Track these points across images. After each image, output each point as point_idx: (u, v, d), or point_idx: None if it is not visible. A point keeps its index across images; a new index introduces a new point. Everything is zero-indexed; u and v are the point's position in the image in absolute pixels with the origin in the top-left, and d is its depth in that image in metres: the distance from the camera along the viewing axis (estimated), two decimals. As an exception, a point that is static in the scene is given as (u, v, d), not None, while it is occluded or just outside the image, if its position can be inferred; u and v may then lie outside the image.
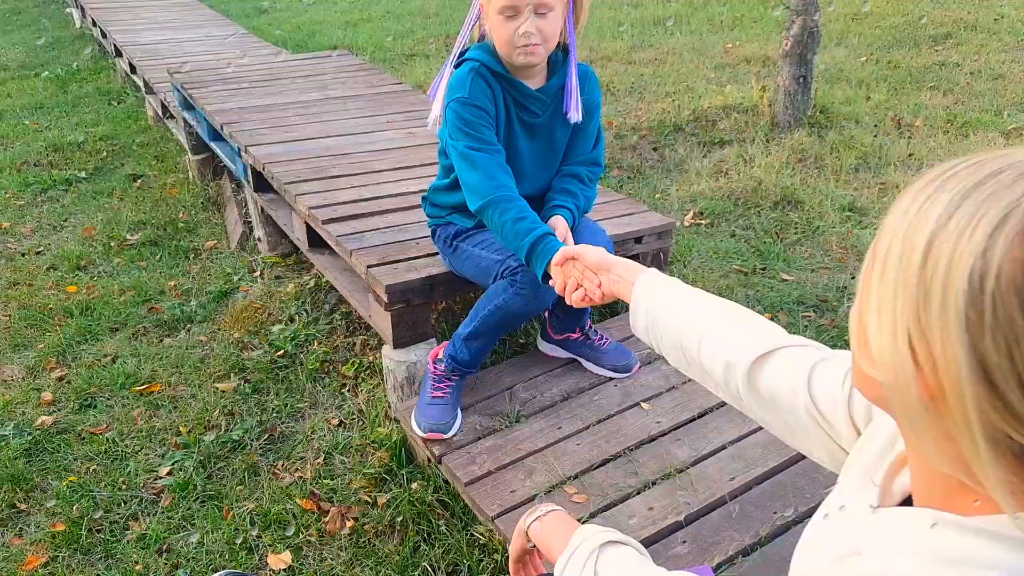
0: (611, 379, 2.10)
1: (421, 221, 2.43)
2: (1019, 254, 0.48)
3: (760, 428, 1.90)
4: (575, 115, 1.89)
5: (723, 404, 1.98)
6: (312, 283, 3.06)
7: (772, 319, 2.60)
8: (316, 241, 2.65)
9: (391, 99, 3.79)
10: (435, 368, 2.01)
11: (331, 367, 2.60)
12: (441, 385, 1.98)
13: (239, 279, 3.27)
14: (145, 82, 5.10)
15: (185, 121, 4.17)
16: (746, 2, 7.23)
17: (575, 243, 1.80)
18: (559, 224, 1.82)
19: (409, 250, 2.27)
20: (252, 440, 2.32)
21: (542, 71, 1.88)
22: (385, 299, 2.09)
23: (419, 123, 3.42)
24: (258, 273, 3.29)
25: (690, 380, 2.07)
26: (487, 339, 1.95)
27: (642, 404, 2.00)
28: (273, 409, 2.45)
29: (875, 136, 4.04)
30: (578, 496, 1.73)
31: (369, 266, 2.16)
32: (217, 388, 2.56)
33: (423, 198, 2.17)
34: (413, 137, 3.24)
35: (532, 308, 1.87)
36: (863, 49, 5.62)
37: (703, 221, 3.39)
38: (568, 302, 1.27)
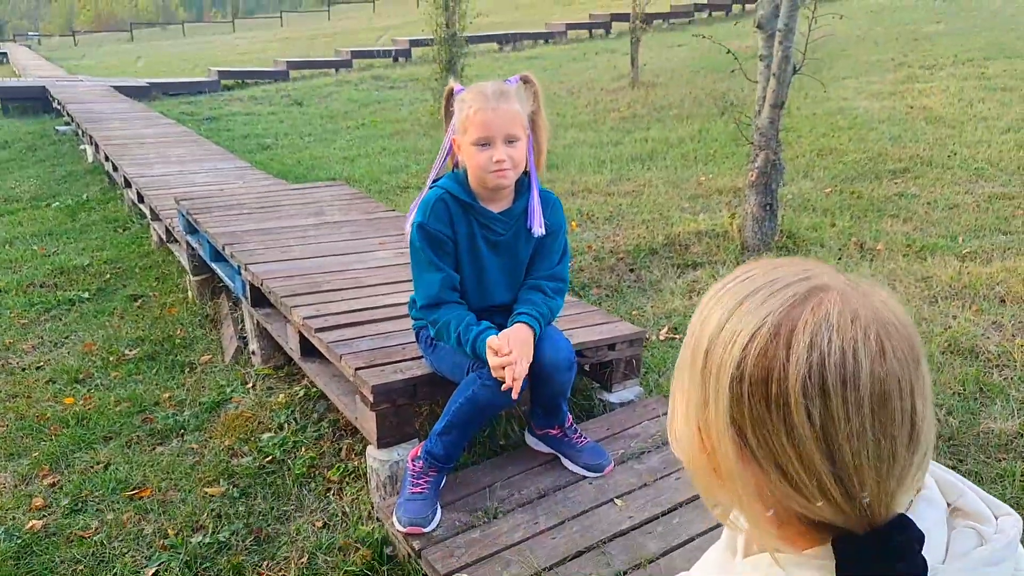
0: (586, 477, 2.20)
1: (408, 329, 2.60)
2: (762, 363, 0.63)
3: (726, 520, 1.98)
4: (538, 229, 2.12)
5: (693, 499, 2.07)
6: (302, 392, 3.18)
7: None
8: (308, 350, 2.80)
9: (384, 224, 4.05)
10: (414, 465, 2.11)
11: (317, 472, 2.68)
12: (420, 481, 2.08)
13: (232, 390, 3.39)
14: (151, 209, 5.40)
15: (188, 244, 4.40)
16: (718, 139, 7.75)
17: (538, 350, 1.98)
18: (520, 330, 2.00)
19: (395, 354, 2.42)
20: (239, 541, 2.37)
21: (508, 195, 2.13)
22: (371, 399, 2.22)
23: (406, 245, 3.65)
24: (251, 385, 3.41)
25: (663, 477, 2.18)
26: (460, 432, 2.07)
27: (616, 500, 2.09)
28: (260, 512, 2.51)
29: (839, 259, 4.30)
30: (552, 585, 1.80)
31: (357, 368, 2.31)
32: (206, 492, 2.63)
33: (409, 302, 2.37)
34: (404, 256, 3.45)
35: (499, 400, 2.01)
36: (828, 181, 6.01)
37: (676, 336, 3.57)
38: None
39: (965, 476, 2.24)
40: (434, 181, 2.19)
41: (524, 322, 2.01)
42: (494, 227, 2.13)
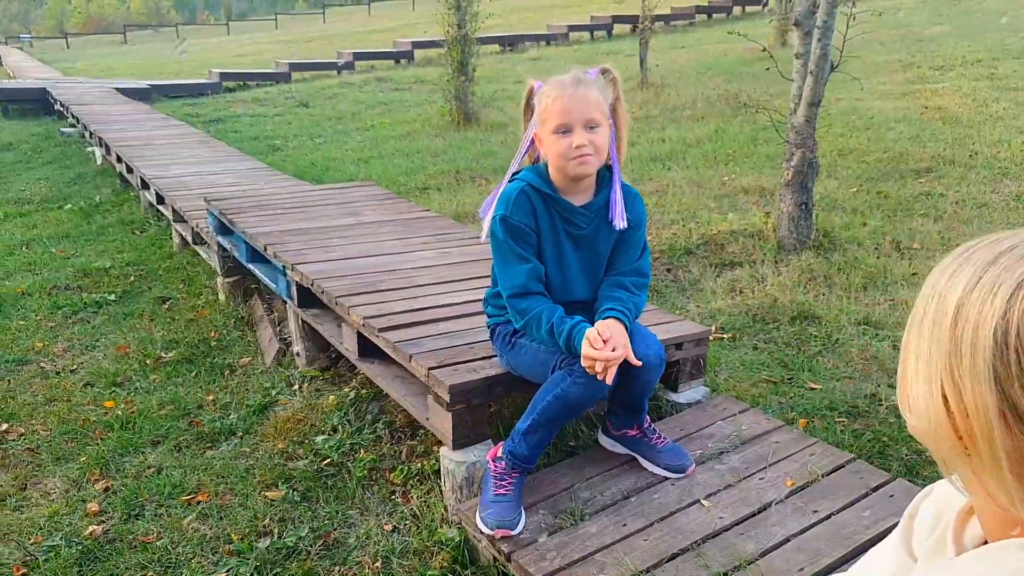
0: (667, 478, 2.16)
1: (473, 328, 2.56)
2: None
3: (822, 521, 1.95)
4: (620, 222, 2.08)
5: (784, 499, 2.04)
6: (352, 395, 3.13)
7: (808, 425, 2.69)
8: (365, 350, 2.76)
9: (421, 224, 4.01)
10: (495, 466, 2.07)
11: (379, 474, 2.64)
12: (503, 482, 2.03)
13: (278, 393, 3.34)
14: (175, 211, 5.33)
15: (219, 245, 4.35)
16: (736, 140, 7.74)
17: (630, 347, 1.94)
18: (612, 325, 1.96)
19: (464, 353, 2.37)
20: (307, 546, 2.32)
21: (589, 187, 2.09)
22: (447, 399, 2.18)
23: (452, 244, 3.61)
24: (296, 387, 3.36)
25: (746, 477, 2.14)
26: (545, 431, 2.03)
27: (702, 501, 2.06)
28: (325, 516, 2.47)
29: (877, 257, 4.28)
30: (653, 588, 1.76)
31: (430, 368, 2.26)
32: (266, 496, 2.58)
33: (484, 299, 2.33)
34: (449, 256, 3.42)
35: (589, 396, 1.97)
36: (852, 181, 6.00)
37: (724, 335, 3.53)
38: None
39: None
40: (514, 175, 2.15)
41: (615, 317, 1.97)
42: (576, 220, 2.09)
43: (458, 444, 2.23)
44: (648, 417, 2.23)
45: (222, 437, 3.04)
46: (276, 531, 2.41)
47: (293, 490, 2.61)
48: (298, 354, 3.47)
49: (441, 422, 2.26)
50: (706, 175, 6.58)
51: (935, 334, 0.65)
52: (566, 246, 2.11)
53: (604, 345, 1.86)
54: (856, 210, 5.23)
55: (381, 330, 2.56)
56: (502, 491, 2.02)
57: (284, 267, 3.36)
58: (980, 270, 0.64)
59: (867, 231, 4.73)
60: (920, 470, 2.40)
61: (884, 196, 5.54)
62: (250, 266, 3.93)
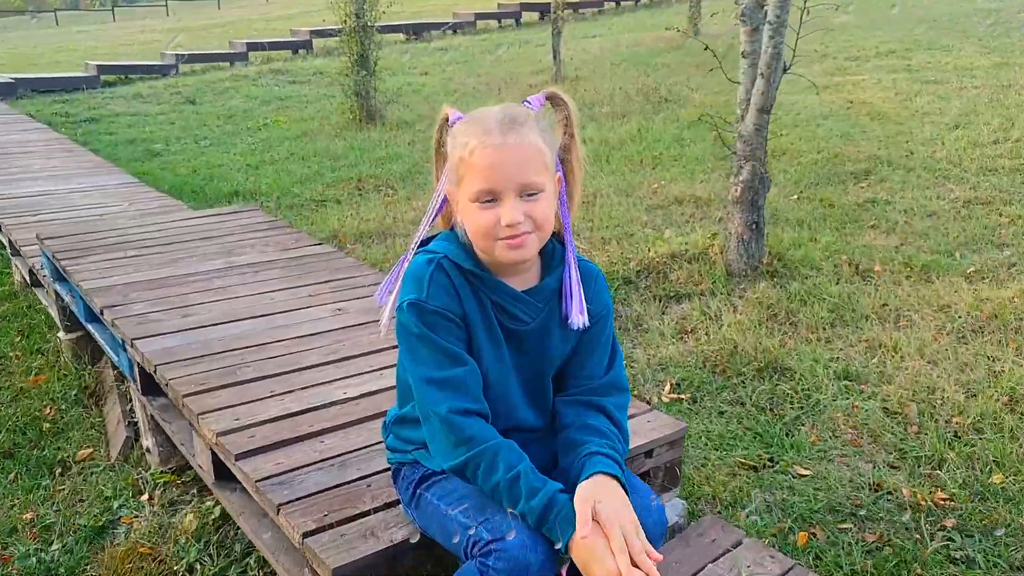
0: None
1: (370, 446, 1.87)
2: None
3: None
4: (580, 318, 1.44)
5: None
6: (217, 511, 2.38)
7: (809, 540, 2.12)
8: (224, 472, 2.02)
9: (311, 264, 3.26)
10: None
11: (248, 649, 1.92)
12: None
13: (120, 506, 2.55)
14: (11, 242, 4.38)
15: (57, 294, 3.48)
16: (661, 140, 7.24)
17: None
18: (610, 489, 1.32)
19: (360, 498, 1.68)
20: None
21: (533, 267, 1.46)
22: (333, 585, 1.48)
23: (348, 295, 2.89)
24: (146, 496, 2.58)
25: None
26: None
27: None
28: None
29: (838, 283, 3.79)
30: None
31: (306, 534, 1.56)
32: None
33: (384, 424, 1.65)
34: (344, 315, 2.69)
35: None
36: (791, 187, 5.56)
37: (683, 396, 2.95)
38: None
39: None
40: (421, 244, 1.48)
41: (607, 472, 1.32)
42: (516, 311, 1.45)
43: (352, 642, 1.54)
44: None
45: (36, 584, 2.25)
46: None
47: None
48: (148, 451, 2.69)
49: (325, 610, 1.57)
50: (634, 181, 6.03)
51: None
52: (505, 348, 1.46)
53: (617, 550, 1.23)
54: (803, 223, 4.77)
55: (240, 457, 1.83)
56: None
57: (123, 341, 2.57)
58: None
59: (820, 249, 4.25)
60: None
61: (828, 205, 5.11)
62: (89, 327, 3.10)
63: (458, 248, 1.43)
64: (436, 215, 1.51)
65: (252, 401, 2.09)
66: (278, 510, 1.64)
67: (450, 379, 1.37)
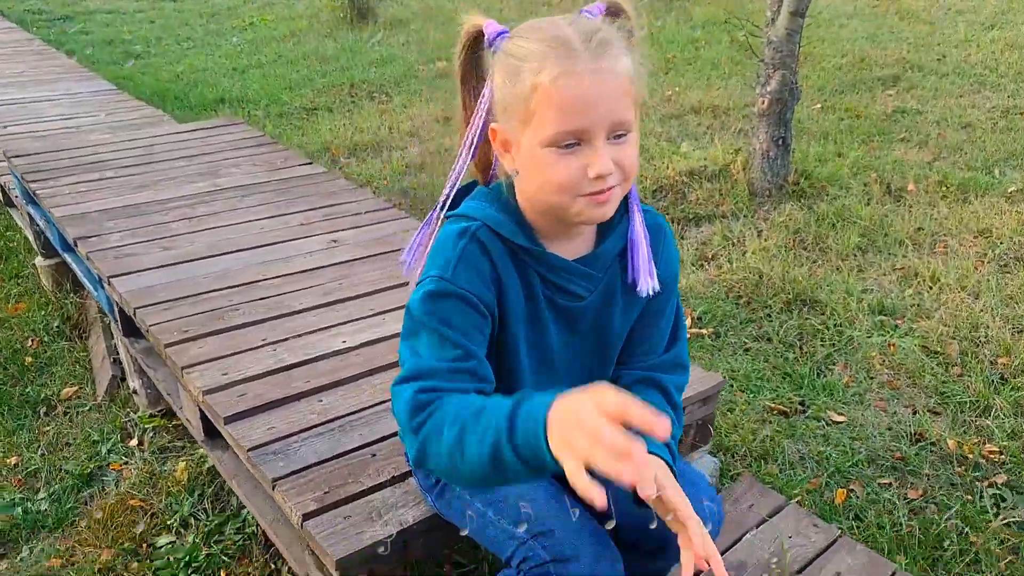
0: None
1: (373, 406, 1.68)
2: None
3: None
4: (647, 283, 1.17)
5: None
6: (210, 462, 2.23)
7: (847, 498, 1.96)
8: (215, 428, 1.84)
9: (301, 187, 3.00)
10: None
11: (248, 616, 1.79)
12: None
13: (108, 451, 2.40)
14: (-20, 159, 4.09)
15: (31, 217, 3.23)
16: (674, 41, 6.80)
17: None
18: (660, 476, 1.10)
19: (364, 470, 1.50)
20: None
21: (589, 230, 1.18)
22: (335, 575, 1.32)
23: (343, 224, 2.66)
24: (135, 441, 2.43)
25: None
26: None
27: None
28: None
29: (868, 204, 3.55)
30: None
31: (306, 515, 1.39)
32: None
33: (393, 391, 1.39)
34: (340, 249, 2.47)
35: None
36: (814, 95, 5.21)
37: (705, 330, 2.76)
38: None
39: None
40: (449, 202, 1.18)
41: (656, 455, 1.13)
42: (571, 286, 1.17)
43: (359, 632, 1.39)
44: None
45: (21, 537, 2.12)
46: None
47: (117, 650, 1.75)
48: (135, 392, 2.51)
49: (329, 598, 1.41)
50: (648, 88, 5.66)
51: None
52: (551, 331, 1.20)
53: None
54: (828, 136, 4.47)
55: (229, 420, 1.65)
56: None
57: (100, 277, 2.35)
58: None
59: (848, 165, 3.97)
60: None
61: (855, 115, 4.79)
62: (66, 257, 2.88)
63: (499, 211, 1.13)
64: (470, 158, 1.16)
65: (241, 352, 1.89)
66: (273, 486, 1.46)
67: (427, 359, 1.08)
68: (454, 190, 1.18)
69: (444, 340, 1.08)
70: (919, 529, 1.83)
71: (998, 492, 1.94)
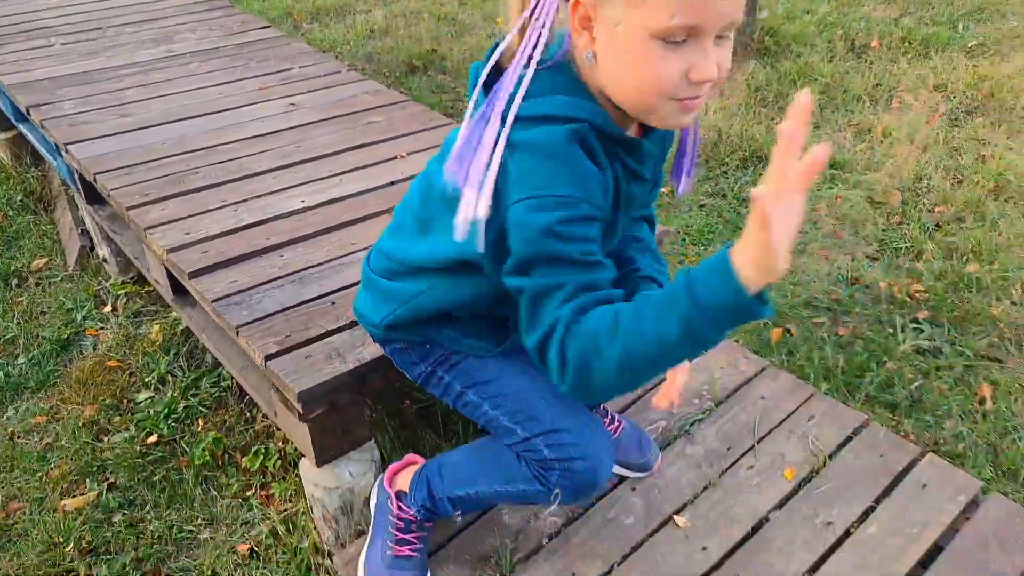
0: (625, 480, 1.56)
1: (332, 260, 1.76)
2: None
3: (841, 542, 1.41)
4: (687, 185, 1.18)
5: (784, 504, 1.49)
6: (183, 324, 2.33)
7: (783, 336, 2.11)
8: (182, 286, 1.92)
9: (259, 52, 2.96)
10: (400, 512, 1.40)
11: (226, 456, 1.94)
12: (408, 537, 1.38)
13: (84, 317, 2.49)
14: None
15: (-18, 90, 3.17)
16: None
17: None
18: None
19: (323, 316, 1.60)
20: (127, 593, 1.66)
21: None
22: (299, 408, 1.44)
23: (300, 88, 2.65)
24: (109, 308, 2.51)
25: (730, 468, 1.56)
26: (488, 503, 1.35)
27: (675, 519, 1.48)
28: (153, 534, 1.78)
29: (831, 61, 3.55)
30: None
31: (268, 356, 1.49)
32: (67, 508, 1.85)
33: (369, 259, 1.32)
34: (297, 112, 2.47)
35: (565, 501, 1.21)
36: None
37: (663, 190, 2.83)
38: None
39: None
40: (527, 84, 0.96)
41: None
42: (643, 170, 1.07)
43: (324, 459, 1.53)
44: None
45: (6, 397, 2.23)
46: (82, 569, 1.72)
47: (108, 489, 1.90)
48: (105, 260, 2.57)
49: (296, 432, 1.54)
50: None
51: None
52: (620, 212, 1.09)
53: None
54: (796, -10, 4.38)
55: (194, 275, 1.72)
56: (404, 551, 1.37)
57: (57, 145, 2.35)
58: None
59: (815, 23, 3.93)
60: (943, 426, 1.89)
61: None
62: (21, 128, 2.86)
63: (593, 102, 0.98)
64: (543, 31, 0.94)
65: (202, 213, 1.94)
66: (237, 332, 1.56)
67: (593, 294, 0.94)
68: (523, 64, 0.95)
69: (571, 261, 0.93)
70: (844, 361, 1.98)
71: (919, 327, 2.09)
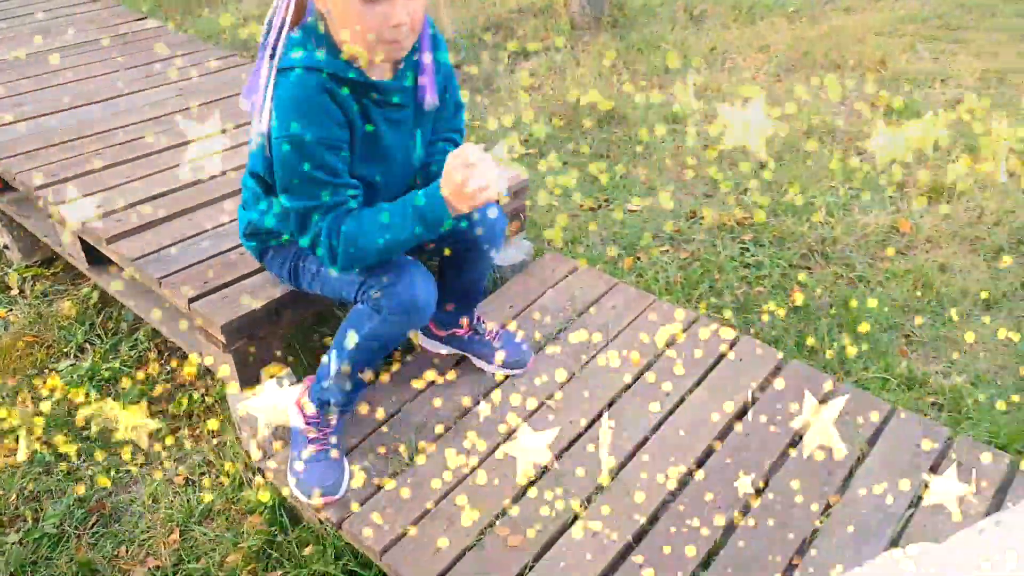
0: (508, 378, 1.88)
1: (235, 221, 1.99)
2: None
3: (677, 406, 1.79)
4: (432, 99, 1.53)
5: (628, 387, 1.85)
6: (96, 296, 2.49)
7: (633, 264, 2.49)
8: (97, 256, 2.10)
9: (138, 44, 3.09)
10: (306, 417, 1.67)
11: (154, 408, 2.14)
12: (318, 436, 1.65)
13: (-8, 302, 2.60)
14: None
15: None
16: None
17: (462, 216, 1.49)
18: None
19: (235, 266, 1.84)
20: (75, 527, 1.86)
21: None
22: (223, 340, 1.68)
23: (187, 76, 2.82)
24: (16, 292, 2.63)
25: (592, 360, 1.92)
26: (358, 371, 1.64)
27: (547, 403, 1.82)
28: (92, 479, 1.98)
29: (673, 30, 3.98)
30: (513, 538, 1.53)
31: (191, 299, 1.72)
32: (6, 464, 2.02)
33: (245, 201, 1.72)
34: (186, 96, 2.65)
35: (407, 330, 1.57)
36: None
37: (531, 151, 3.17)
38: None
39: (855, 282, 2.21)
40: (277, 46, 1.37)
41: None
42: (393, 101, 1.47)
43: (247, 383, 1.78)
44: (476, 312, 1.88)
45: (-74, 380, 2.34)
46: (28, 514, 1.90)
47: (43, 445, 2.07)
48: (7, 247, 2.68)
49: (220, 362, 1.78)
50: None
51: None
52: (388, 139, 1.49)
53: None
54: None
55: (112, 240, 1.92)
56: (318, 447, 1.64)
57: (-49, 138, 2.45)
58: None
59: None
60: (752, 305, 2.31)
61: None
62: (-96, 127, 2.88)
63: (328, 52, 1.35)
64: (289, 3, 1.36)
65: (109, 188, 2.12)
66: (160, 283, 1.78)
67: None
68: (282, 36, 1.36)
69: (321, 182, 1.38)
70: (683, 278, 2.38)
71: (744, 246, 2.52)
